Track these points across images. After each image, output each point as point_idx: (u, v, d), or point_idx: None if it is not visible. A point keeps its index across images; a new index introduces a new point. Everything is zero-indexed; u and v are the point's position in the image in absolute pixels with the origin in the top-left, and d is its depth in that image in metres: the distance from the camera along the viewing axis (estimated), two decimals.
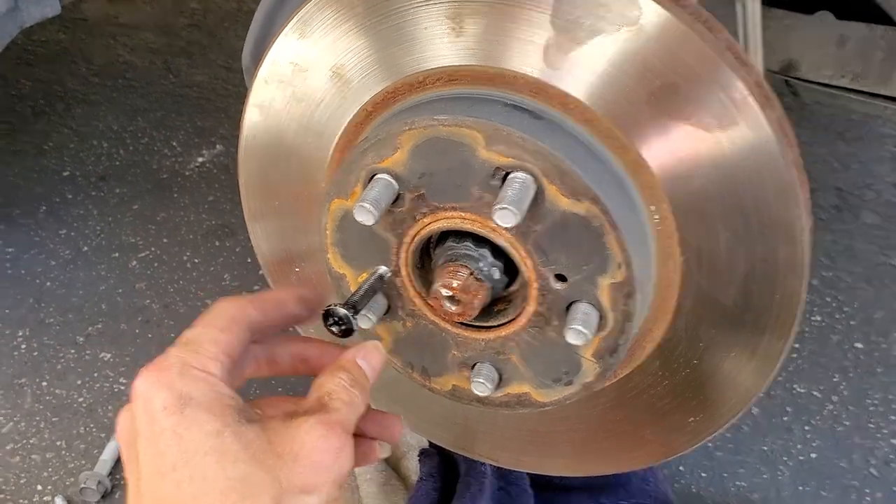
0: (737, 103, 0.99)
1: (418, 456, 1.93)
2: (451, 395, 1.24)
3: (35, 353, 2.51)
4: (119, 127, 3.49)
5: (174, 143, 3.39)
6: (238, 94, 3.61)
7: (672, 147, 1.04)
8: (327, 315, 1.07)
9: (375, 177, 1.08)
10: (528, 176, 1.01)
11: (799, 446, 2.27)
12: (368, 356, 1.05)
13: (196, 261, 2.85)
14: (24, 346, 2.54)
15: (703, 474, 2.20)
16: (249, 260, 2.81)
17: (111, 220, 3.02)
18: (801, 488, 2.16)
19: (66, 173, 3.24)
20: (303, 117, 1.25)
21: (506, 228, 1.02)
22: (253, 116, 1.29)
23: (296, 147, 1.28)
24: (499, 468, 1.66)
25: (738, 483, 2.18)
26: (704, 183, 1.05)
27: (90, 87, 3.76)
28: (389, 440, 1.13)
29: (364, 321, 1.15)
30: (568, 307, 1.07)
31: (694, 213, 1.07)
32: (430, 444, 1.91)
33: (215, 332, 0.98)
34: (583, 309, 1.06)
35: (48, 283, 2.76)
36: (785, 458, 2.23)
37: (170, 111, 3.58)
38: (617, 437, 1.33)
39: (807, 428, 2.32)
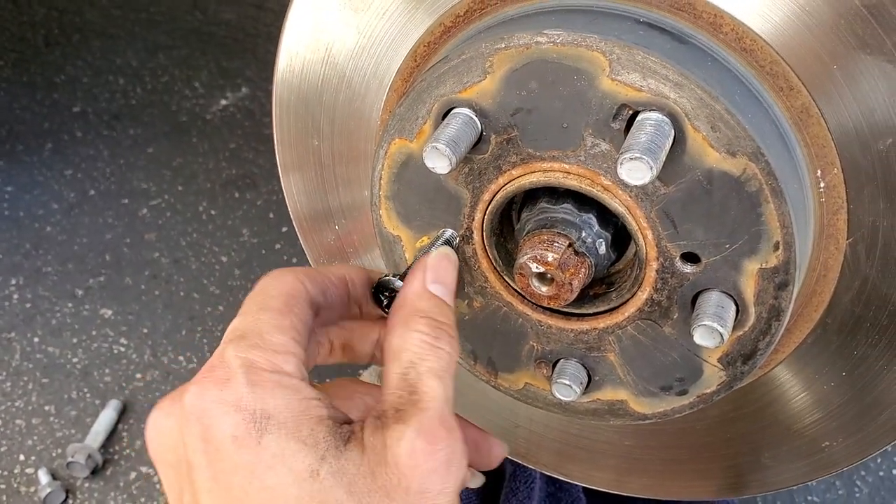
0: None
1: None
2: (521, 396, 1.06)
3: (28, 305, 2.41)
4: (138, 63, 3.39)
5: (196, 84, 3.28)
6: (269, 34, 3.53)
7: (860, 92, 0.84)
8: (380, 289, 0.88)
9: (453, 111, 0.89)
10: (666, 118, 0.80)
11: (878, 460, 2.04)
12: (441, 275, 0.85)
13: (212, 212, 2.72)
14: (16, 297, 2.44)
15: None
16: (271, 215, 2.70)
17: (122, 162, 2.90)
18: None
19: (76, 109, 3.14)
20: (359, 32, 1.05)
21: (630, 187, 0.83)
22: (295, 32, 1.09)
23: (348, 74, 1.09)
24: None
25: (809, 498, 1.97)
26: None
27: (110, 19, 3.64)
28: (484, 467, 0.94)
29: None
30: (696, 297, 0.89)
31: (874, 184, 0.88)
32: None
33: (274, 316, 0.76)
34: (716, 300, 0.87)
35: (48, 228, 2.65)
36: (863, 473, 2.01)
37: (194, 49, 3.47)
38: (724, 459, 1.15)
39: None
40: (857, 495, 1.97)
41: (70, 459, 1.95)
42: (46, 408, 2.15)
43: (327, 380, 0.89)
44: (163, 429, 0.74)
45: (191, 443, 0.71)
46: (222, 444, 0.69)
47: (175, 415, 0.72)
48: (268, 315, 0.76)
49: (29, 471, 2.01)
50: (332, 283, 0.83)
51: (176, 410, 0.72)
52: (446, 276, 0.86)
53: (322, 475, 0.69)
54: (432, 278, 0.84)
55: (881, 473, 2.01)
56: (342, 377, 0.89)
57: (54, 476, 1.97)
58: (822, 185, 0.89)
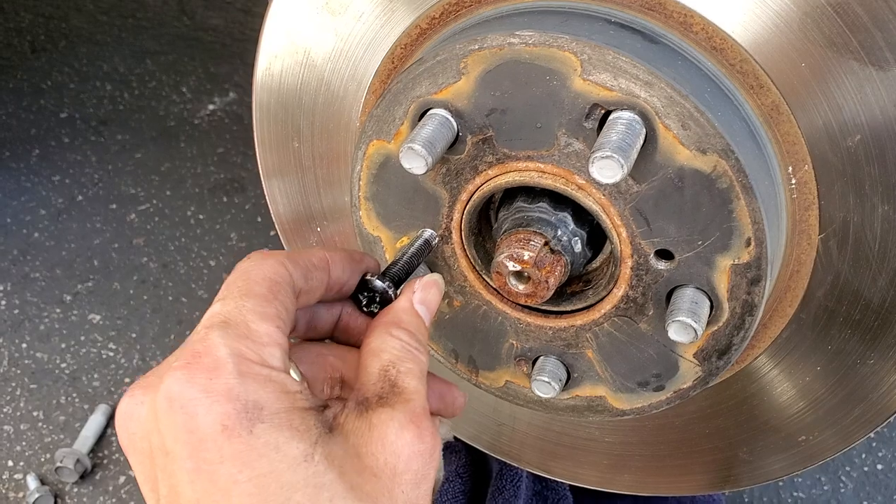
0: None
1: (442, 450, 1.68)
2: (502, 394, 1.06)
3: (16, 311, 2.39)
4: (125, 69, 3.35)
5: (184, 89, 3.25)
6: (257, 39, 3.39)
7: (828, 89, 0.84)
8: (362, 288, 0.88)
9: (429, 112, 0.89)
10: (637, 117, 0.80)
11: (863, 455, 2.04)
12: (428, 298, 0.88)
13: (201, 217, 2.70)
14: (3, 303, 2.42)
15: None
16: (259, 219, 2.68)
17: (111, 168, 2.87)
18: (864, 503, 1.95)
19: (64, 115, 3.10)
20: (337, 36, 1.05)
21: (603, 186, 0.84)
22: (274, 36, 1.10)
23: (326, 76, 1.09)
24: None
25: (795, 494, 1.96)
26: (866, 139, 0.85)
27: (97, 25, 3.60)
28: (449, 415, 0.94)
29: None
30: (670, 293, 0.89)
31: (844, 180, 0.88)
32: (457, 436, 1.69)
33: (259, 303, 0.75)
34: (690, 296, 0.87)
35: (36, 234, 2.62)
36: (847, 469, 2.01)
37: (182, 55, 3.43)
38: (702, 454, 1.15)
39: (872, 435, 2.09)
40: (843, 490, 1.96)
41: (59, 464, 1.94)
42: (35, 413, 2.13)
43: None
44: (135, 416, 0.72)
45: (171, 431, 0.69)
46: (209, 434, 0.67)
47: (150, 401, 0.70)
48: (252, 302, 0.75)
49: (17, 476, 1.99)
50: (314, 266, 0.83)
51: (151, 397, 0.70)
52: (432, 300, 0.88)
53: (316, 459, 0.68)
54: (420, 299, 0.86)
55: (866, 469, 2.00)
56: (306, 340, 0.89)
57: (43, 481, 1.95)
58: (793, 181, 0.89)
